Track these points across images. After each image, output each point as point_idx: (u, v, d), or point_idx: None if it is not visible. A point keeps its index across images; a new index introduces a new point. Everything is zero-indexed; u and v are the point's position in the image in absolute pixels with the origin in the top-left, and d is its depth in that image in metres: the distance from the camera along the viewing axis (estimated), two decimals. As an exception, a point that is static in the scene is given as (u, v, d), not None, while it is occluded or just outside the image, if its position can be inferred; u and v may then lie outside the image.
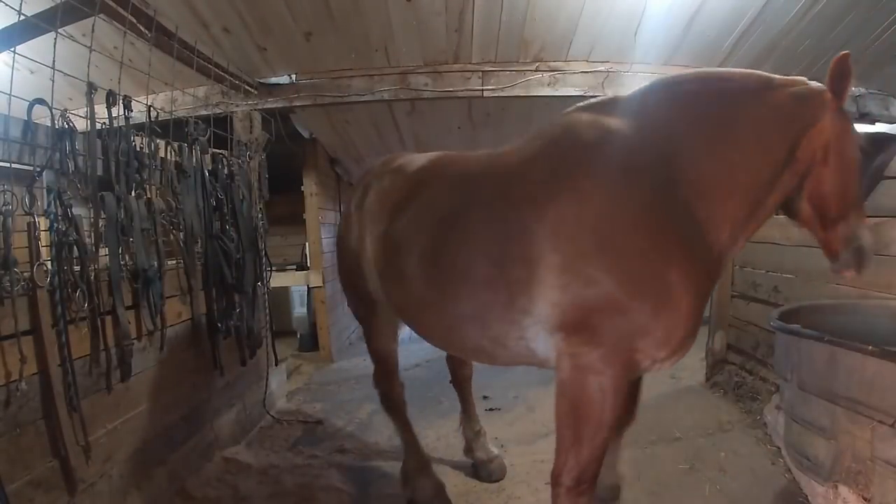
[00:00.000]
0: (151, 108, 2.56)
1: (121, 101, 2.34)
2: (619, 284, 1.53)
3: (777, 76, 1.70)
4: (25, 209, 1.87)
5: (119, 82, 2.38)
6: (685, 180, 1.61)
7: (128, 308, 2.28)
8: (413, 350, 4.98)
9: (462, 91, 4.02)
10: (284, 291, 5.93)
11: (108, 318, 2.18)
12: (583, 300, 1.56)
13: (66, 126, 2.07)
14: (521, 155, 1.83)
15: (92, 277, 2.08)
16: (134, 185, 2.40)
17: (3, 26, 2.30)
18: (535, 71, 3.99)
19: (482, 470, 2.77)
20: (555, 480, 1.68)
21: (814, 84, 1.65)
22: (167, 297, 2.57)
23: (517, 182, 1.73)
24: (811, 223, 1.71)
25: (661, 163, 1.62)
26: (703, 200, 1.61)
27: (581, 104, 1.86)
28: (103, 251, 2.22)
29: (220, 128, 3.40)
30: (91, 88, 2.22)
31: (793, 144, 1.61)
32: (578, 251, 1.56)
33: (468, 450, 2.84)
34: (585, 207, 1.59)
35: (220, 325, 3.03)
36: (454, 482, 2.69)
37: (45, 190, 1.98)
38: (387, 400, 2.60)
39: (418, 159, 2.28)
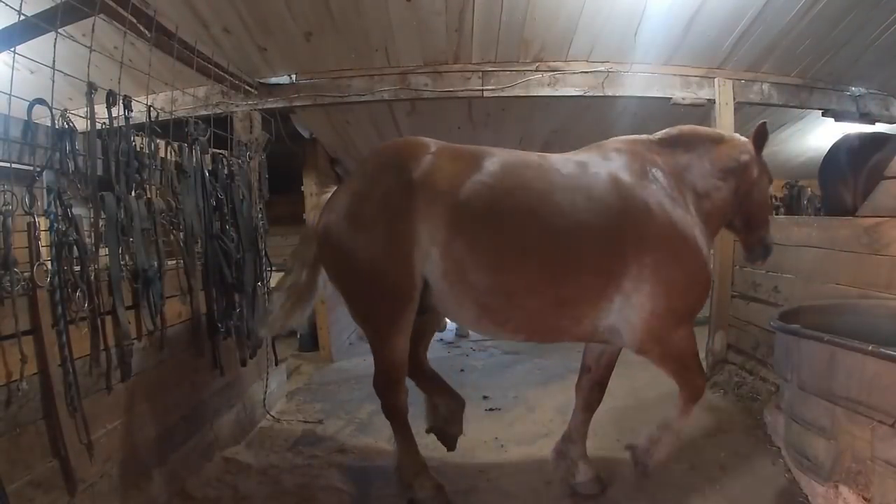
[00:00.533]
0: (151, 108, 2.56)
1: (121, 101, 2.34)
2: (688, 277, 2.21)
3: (725, 133, 2.60)
4: (25, 209, 1.87)
5: (119, 82, 2.38)
6: (701, 207, 2.36)
7: (128, 308, 2.29)
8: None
9: (462, 91, 4.03)
10: (284, 291, 5.91)
11: (108, 318, 2.18)
12: (666, 285, 2.17)
13: (66, 126, 2.07)
14: (606, 172, 2.26)
15: (92, 277, 2.08)
16: (134, 185, 2.40)
17: (3, 26, 2.30)
18: (535, 71, 4.00)
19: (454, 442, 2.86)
20: (691, 400, 2.33)
21: (743, 139, 2.49)
22: (167, 297, 2.57)
23: (608, 192, 2.21)
24: (740, 231, 2.66)
25: (693, 195, 2.35)
26: (707, 222, 2.36)
27: (638, 137, 2.47)
28: (103, 251, 2.22)
29: (220, 128, 3.40)
30: (91, 88, 2.22)
31: (739, 182, 2.44)
32: (661, 255, 2.17)
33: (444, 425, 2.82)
34: (665, 224, 2.20)
35: (220, 325, 3.03)
36: (455, 482, 2.68)
37: (45, 190, 1.98)
38: (391, 409, 2.45)
39: (490, 155, 2.28)
